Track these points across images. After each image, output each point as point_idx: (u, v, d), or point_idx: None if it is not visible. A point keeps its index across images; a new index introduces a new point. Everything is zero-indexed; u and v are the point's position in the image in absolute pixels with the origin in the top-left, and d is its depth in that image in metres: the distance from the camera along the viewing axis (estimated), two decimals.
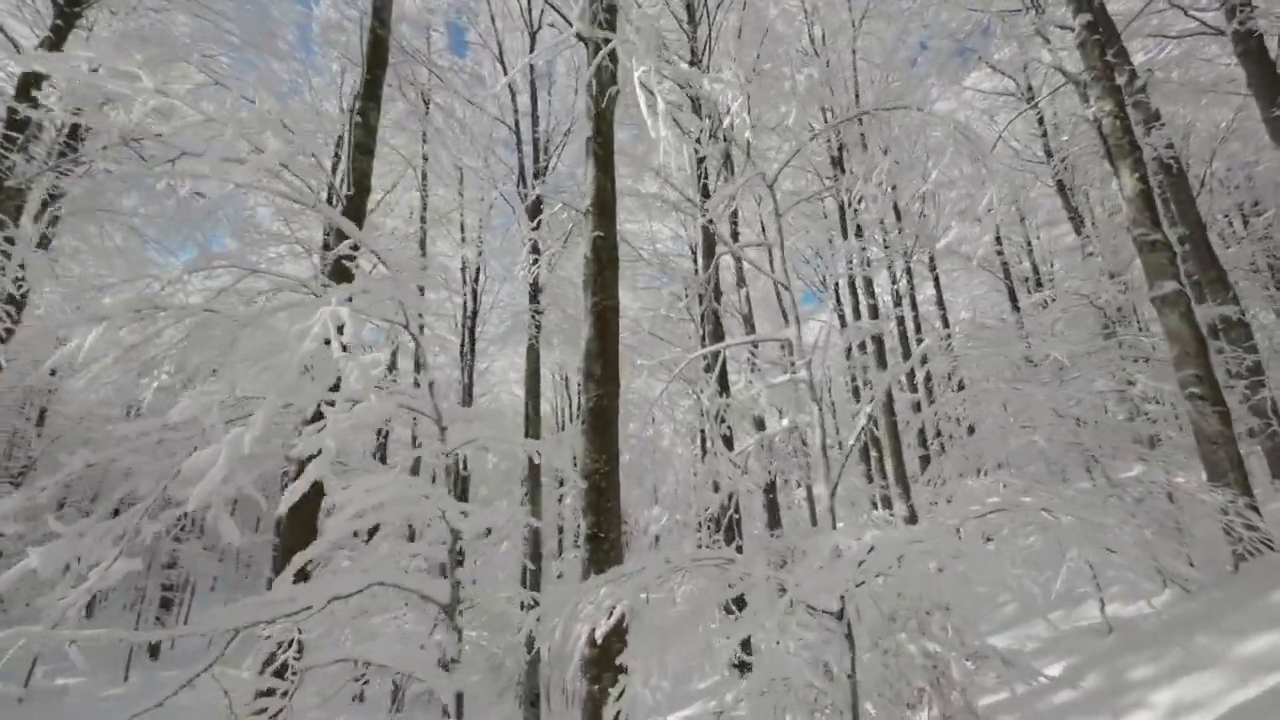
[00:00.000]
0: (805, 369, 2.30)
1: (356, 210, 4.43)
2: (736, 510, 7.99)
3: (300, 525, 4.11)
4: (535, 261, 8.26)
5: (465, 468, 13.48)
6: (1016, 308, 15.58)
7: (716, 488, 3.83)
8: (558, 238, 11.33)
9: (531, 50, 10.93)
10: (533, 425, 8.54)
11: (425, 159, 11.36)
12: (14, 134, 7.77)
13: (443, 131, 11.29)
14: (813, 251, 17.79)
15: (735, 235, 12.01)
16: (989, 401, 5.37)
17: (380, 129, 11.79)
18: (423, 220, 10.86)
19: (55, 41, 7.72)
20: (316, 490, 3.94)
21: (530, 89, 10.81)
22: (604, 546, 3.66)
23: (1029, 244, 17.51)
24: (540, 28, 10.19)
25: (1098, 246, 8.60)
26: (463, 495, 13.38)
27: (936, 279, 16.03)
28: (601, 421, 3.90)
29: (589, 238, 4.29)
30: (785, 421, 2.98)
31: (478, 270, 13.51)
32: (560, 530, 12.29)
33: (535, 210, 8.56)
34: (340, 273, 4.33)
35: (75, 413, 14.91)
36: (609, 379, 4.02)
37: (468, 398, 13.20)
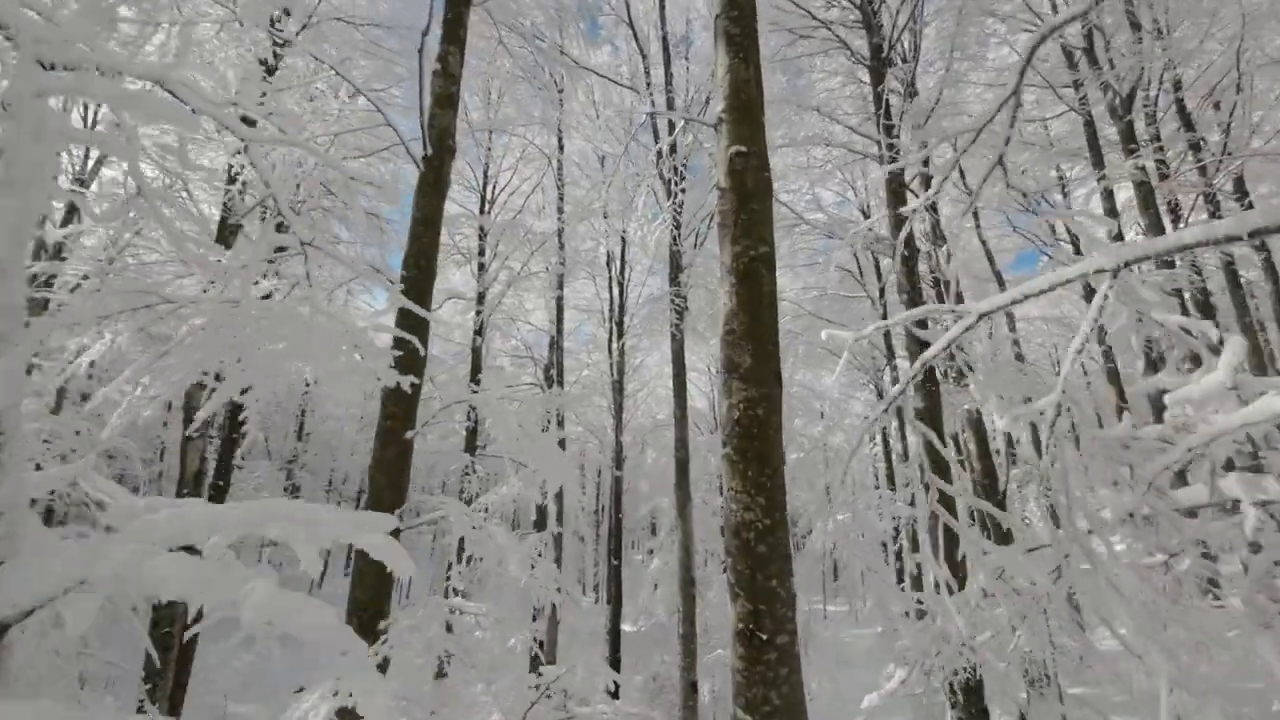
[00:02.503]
0: None
1: (438, 175, 3.53)
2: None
3: (388, 484, 3.26)
4: (675, 229, 6.81)
5: (621, 465, 12.81)
6: None
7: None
8: (702, 219, 9.89)
9: (662, 10, 9.62)
10: (680, 426, 7.24)
11: (561, 148, 10.80)
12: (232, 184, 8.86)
13: (579, 118, 10.62)
14: (1033, 195, 13.53)
15: (928, 182, 9.21)
16: None
17: (517, 126, 11.59)
18: (560, 212, 10.32)
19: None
20: (402, 447, 3.08)
21: (663, 51, 9.53)
22: (767, 655, 2.12)
23: None
24: None
25: None
26: (617, 493, 12.70)
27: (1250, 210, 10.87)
28: (755, 442, 2.36)
29: (723, 157, 2.75)
30: None
31: (623, 262, 12.71)
32: (723, 533, 10.93)
33: (671, 189, 7.20)
34: (414, 265, 3.44)
35: (321, 415, 17.84)
36: (763, 373, 2.46)
37: (619, 395, 12.48)
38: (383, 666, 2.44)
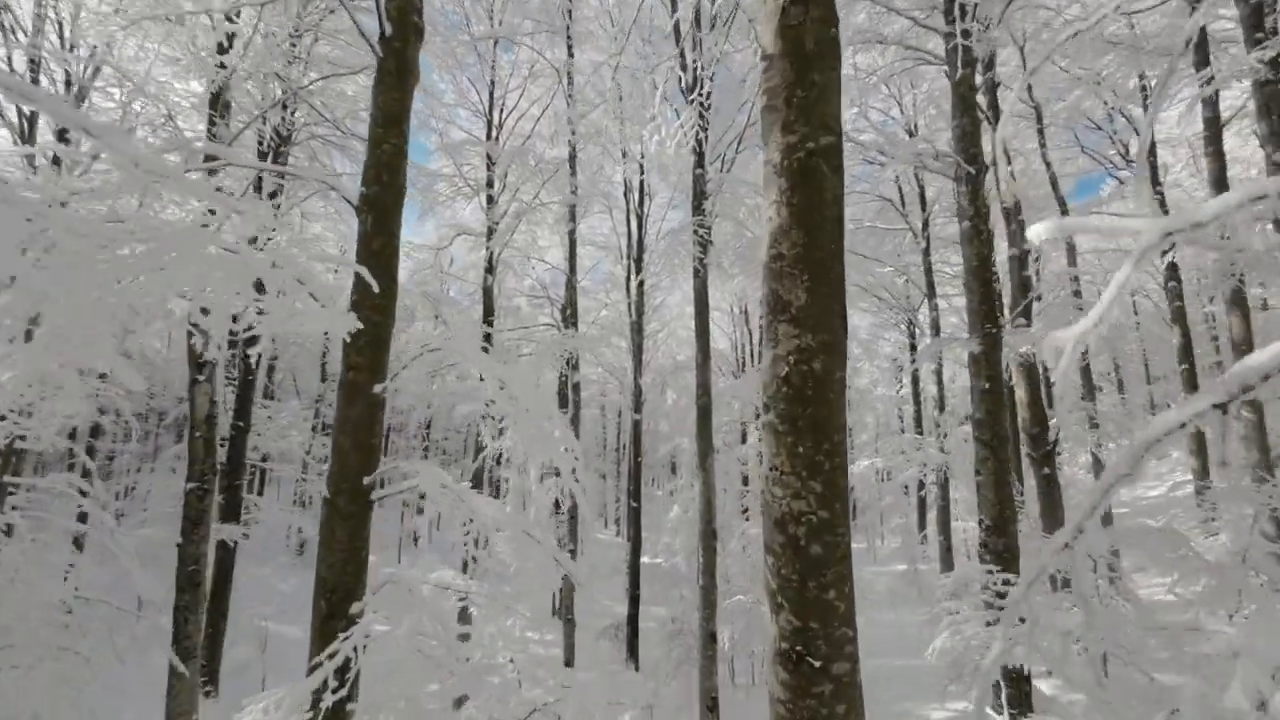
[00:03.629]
0: None
1: (400, 61, 2.76)
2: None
3: (354, 447, 2.75)
4: (700, 134, 5.72)
5: (640, 409, 12.42)
6: None
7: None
8: (730, 142, 8.77)
9: None
10: (702, 371, 6.63)
11: (571, 55, 9.58)
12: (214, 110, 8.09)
13: (592, 25, 9.32)
14: (1110, 108, 11.79)
15: (994, 91, 7.79)
16: None
17: (524, 35, 10.32)
18: (571, 133, 9.27)
19: None
20: (370, 403, 2.56)
21: None
22: (819, 688, 1.60)
23: None
24: None
25: None
26: (636, 435, 12.39)
27: None
28: (809, 407, 1.73)
29: (772, 9, 1.94)
30: None
31: (641, 192, 11.69)
32: (746, 484, 10.53)
33: (696, 78, 6.08)
34: (373, 181, 2.75)
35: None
36: (823, 314, 1.78)
37: (638, 336, 11.87)
38: (343, 672, 2.01)
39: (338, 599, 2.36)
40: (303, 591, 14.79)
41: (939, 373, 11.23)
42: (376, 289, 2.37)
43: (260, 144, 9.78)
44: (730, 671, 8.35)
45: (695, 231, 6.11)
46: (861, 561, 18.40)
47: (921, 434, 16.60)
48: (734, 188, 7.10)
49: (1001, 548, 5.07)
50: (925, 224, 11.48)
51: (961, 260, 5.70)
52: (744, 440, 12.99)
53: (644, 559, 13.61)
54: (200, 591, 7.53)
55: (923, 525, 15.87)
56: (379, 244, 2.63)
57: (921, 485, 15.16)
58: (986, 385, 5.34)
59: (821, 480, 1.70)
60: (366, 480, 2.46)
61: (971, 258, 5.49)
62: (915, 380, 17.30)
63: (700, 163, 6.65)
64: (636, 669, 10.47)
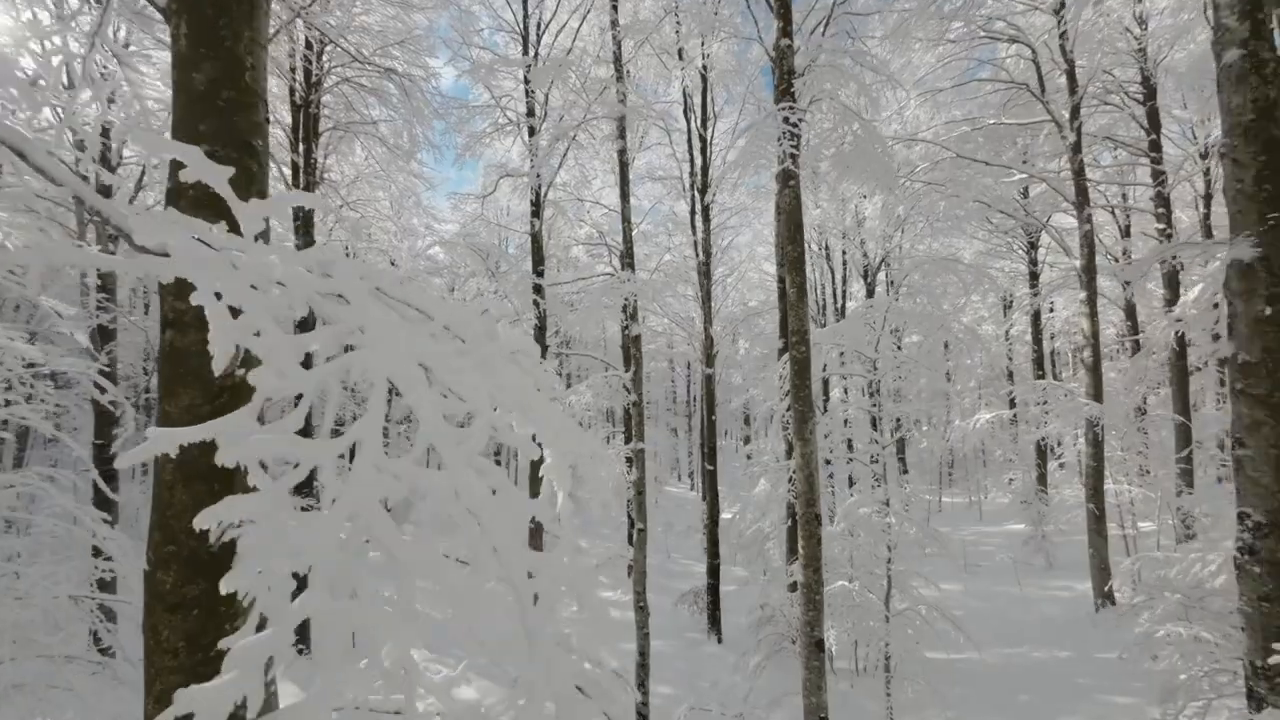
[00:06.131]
0: None
1: None
2: None
3: (186, 473, 1.40)
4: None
5: (712, 362, 10.92)
6: None
7: None
8: (816, 26, 6.61)
9: None
10: (796, 312, 4.99)
11: None
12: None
13: None
14: None
15: None
16: None
17: None
18: (613, 25, 7.45)
19: None
20: (212, 391, 1.31)
21: None
22: None
23: None
24: None
25: None
26: (709, 390, 11.00)
27: None
28: None
29: None
30: None
31: (704, 108, 9.72)
32: (831, 460, 8.81)
33: None
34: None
35: None
36: None
37: (706, 279, 10.23)
38: None
39: None
40: None
41: (1092, 303, 8.63)
42: (202, 165, 1.04)
43: (292, 93, 8.97)
44: (829, 657, 7.10)
45: (785, 119, 4.31)
46: (963, 520, 16.31)
47: (1043, 377, 13.94)
48: (835, 59, 5.12)
49: None
50: (1074, 112, 8.68)
51: (1212, 124, 3.58)
52: (826, 401, 11.12)
53: (724, 515, 12.51)
54: None
55: (1043, 482, 13.48)
56: (207, 76, 1.28)
57: (1043, 438, 12.73)
58: (1266, 309, 3.35)
59: None
60: (212, 536, 1.27)
61: (1244, 108, 3.37)
62: (1036, 318, 14.44)
63: (786, 30, 4.76)
64: (719, 640, 9.52)
